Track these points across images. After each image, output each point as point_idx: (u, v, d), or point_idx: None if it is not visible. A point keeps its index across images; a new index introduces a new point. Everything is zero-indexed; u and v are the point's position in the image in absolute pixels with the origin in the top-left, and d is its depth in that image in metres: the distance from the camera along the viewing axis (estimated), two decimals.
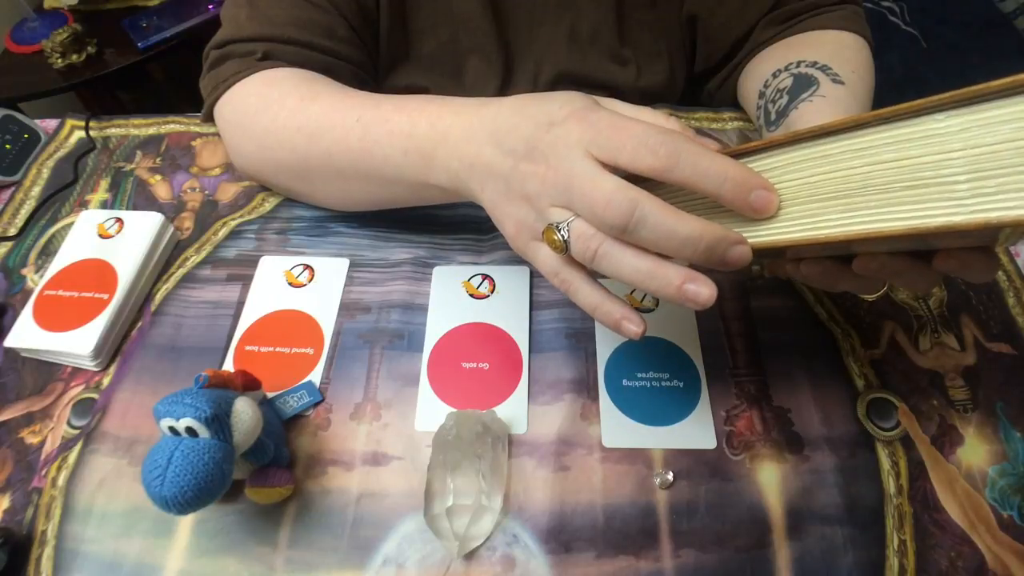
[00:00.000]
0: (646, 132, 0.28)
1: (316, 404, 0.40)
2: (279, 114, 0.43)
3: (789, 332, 0.43)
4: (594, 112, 0.30)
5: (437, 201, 0.41)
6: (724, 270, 0.28)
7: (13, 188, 0.54)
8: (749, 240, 0.28)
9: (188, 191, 0.53)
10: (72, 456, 0.39)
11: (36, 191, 0.54)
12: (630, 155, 0.28)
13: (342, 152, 0.40)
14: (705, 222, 0.27)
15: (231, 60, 0.46)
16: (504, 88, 0.55)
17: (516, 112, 0.33)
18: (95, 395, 0.42)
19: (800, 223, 0.27)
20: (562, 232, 0.30)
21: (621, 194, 0.27)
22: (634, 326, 0.30)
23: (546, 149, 0.30)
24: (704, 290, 0.27)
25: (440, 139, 0.36)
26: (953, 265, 0.27)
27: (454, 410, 0.38)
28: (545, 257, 0.32)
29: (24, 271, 0.49)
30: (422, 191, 0.39)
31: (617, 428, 0.39)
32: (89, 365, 0.43)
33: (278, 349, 0.43)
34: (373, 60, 0.53)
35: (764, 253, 0.29)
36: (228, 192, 0.53)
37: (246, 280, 0.47)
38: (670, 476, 0.37)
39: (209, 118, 0.49)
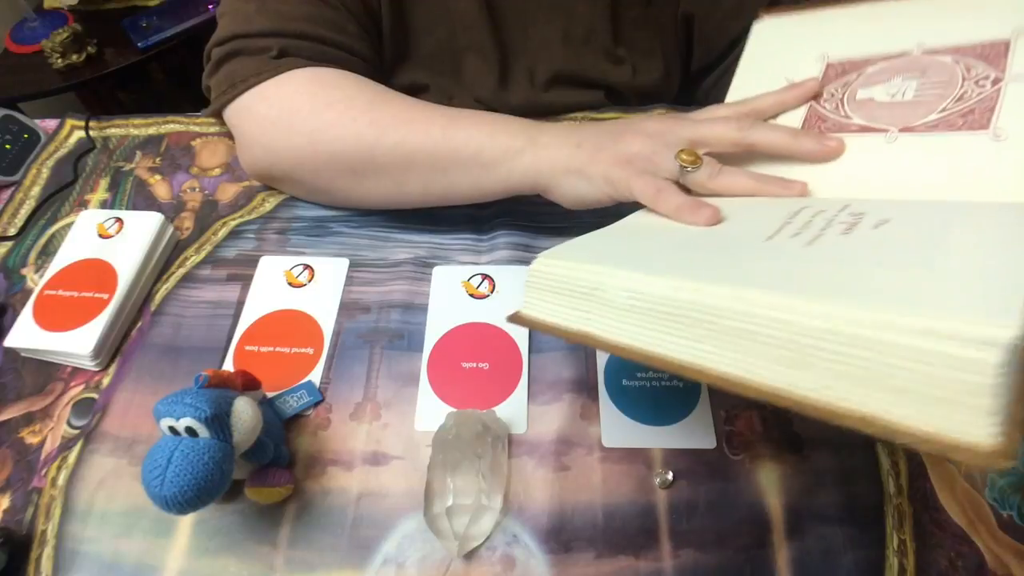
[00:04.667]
0: (712, 117, 0.38)
1: (316, 404, 0.41)
2: (346, 111, 0.43)
3: None
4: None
5: (496, 193, 0.43)
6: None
7: (13, 188, 0.54)
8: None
9: (188, 191, 0.53)
10: (72, 456, 0.39)
11: (36, 191, 0.54)
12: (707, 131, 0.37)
13: (419, 141, 0.42)
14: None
15: (243, 57, 0.45)
16: (502, 86, 0.55)
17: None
18: (95, 395, 0.42)
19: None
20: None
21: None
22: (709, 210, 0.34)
23: (636, 127, 0.39)
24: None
25: (534, 127, 0.41)
26: None
27: (454, 410, 0.38)
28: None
29: (24, 271, 0.49)
30: (491, 173, 0.42)
31: (617, 428, 0.39)
32: (89, 365, 0.43)
33: (278, 349, 0.43)
34: (380, 58, 0.53)
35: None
36: (228, 192, 0.53)
37: (246, 280, 0.47)
38: (670, 476, 0.37)
39: (215, 114, 0.48)
